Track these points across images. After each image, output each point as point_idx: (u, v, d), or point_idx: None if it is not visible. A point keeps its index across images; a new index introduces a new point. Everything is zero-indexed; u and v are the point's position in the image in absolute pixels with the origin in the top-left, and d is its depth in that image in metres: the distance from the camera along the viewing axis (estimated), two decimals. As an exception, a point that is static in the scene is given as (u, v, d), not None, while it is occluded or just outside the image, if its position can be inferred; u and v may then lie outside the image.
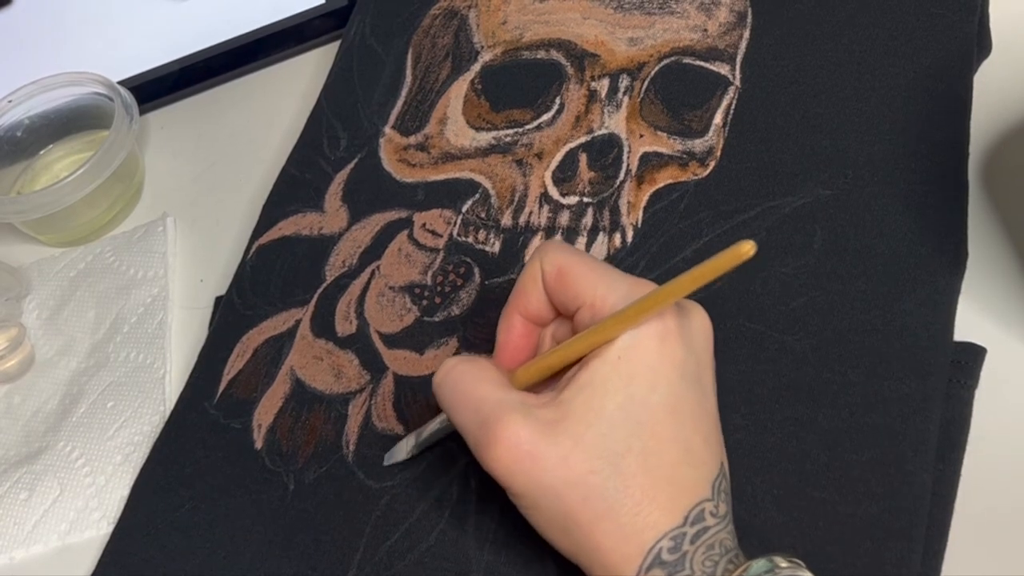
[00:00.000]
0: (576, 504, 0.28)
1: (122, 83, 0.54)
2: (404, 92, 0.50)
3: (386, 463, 0.37)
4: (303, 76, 0.56)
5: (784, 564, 0.28)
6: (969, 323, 0.36)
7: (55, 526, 0.41)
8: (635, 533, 0.28)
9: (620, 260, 0.40)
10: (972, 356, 0.35)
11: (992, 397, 0.34)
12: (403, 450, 0.37)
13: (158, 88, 0.57)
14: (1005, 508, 0.33)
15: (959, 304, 0.36)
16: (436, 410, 0.38)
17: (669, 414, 0.29)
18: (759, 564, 0.28)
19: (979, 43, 0.43)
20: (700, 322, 0.31)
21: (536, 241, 0.42)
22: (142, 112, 0.54)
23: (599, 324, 0.30)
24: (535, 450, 0.28)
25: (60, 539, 0.41)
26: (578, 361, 0.30)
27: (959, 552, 0.32)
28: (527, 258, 0.41)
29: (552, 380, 0.32)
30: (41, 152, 0.55)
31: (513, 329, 0.34)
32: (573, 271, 0.32)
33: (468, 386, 0.31)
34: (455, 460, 0.37)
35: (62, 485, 0.42)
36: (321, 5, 0.57)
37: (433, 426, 0.35)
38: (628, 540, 0.28)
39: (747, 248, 0.26)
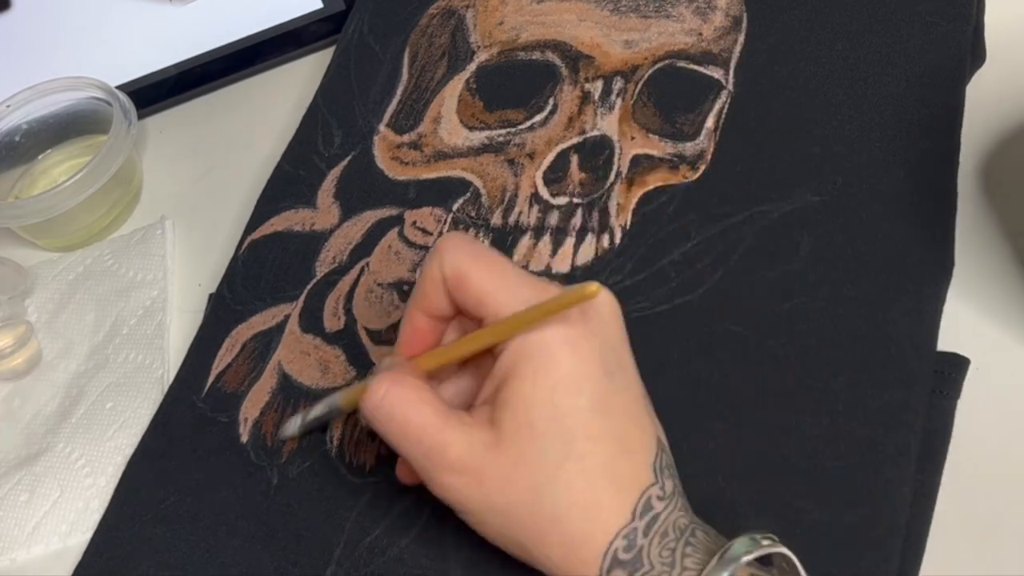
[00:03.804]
0: (525, 520, 0.29)
1: (120, 87, 0.54)
2: (400, 90, 0.50)
3: (279, 437, 0.39)
4: (301, 80, 0.56)
5: (765, 542, 0.28)
6: (953, 333, 0.36)
7: (56, 527, 0.41)
8: (586, 540, 0.28)
9: (608, 261, 0.40)
10: (955, 367, 0.35)
11: (974, 408, 0.34)
12: (292, 427, 0.39)
13: (156, 92, 0.57)
14: (983, 519, 0.32)
15: (944, 314, 0.36)
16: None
17: (598, 413, 0.29)
18: (740, 544, 0.28)
19: (974, 52, 0.43)
20: (606, 307, 0.31)
21: (525, 241, 0.42)
22: (140, 116, 0.53)
23: (495, 325, 0.30)
24: (479, 474, 0.29)
25: (61, 540, 0.41)
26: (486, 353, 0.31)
27: (936, 563, 0.32)
28: (516, 257, 0.41)
29: (474, 371, 0.32)
30: (39, 157, 0.55)
31: (416, 325, 0.33)
32: (472, 277, 0.31)
33: (407, 414, 0.30)
34: (437, 458, 0.37)
35: (62, 486, 0.42)
36: (319, 10, 0.57)
37: (318, 411, 0.38)
38: (580, 548, 0.28)
39: (592, 289, 0.28)
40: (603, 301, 0.30)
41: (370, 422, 0.31)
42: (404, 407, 0.30)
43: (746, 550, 0.27)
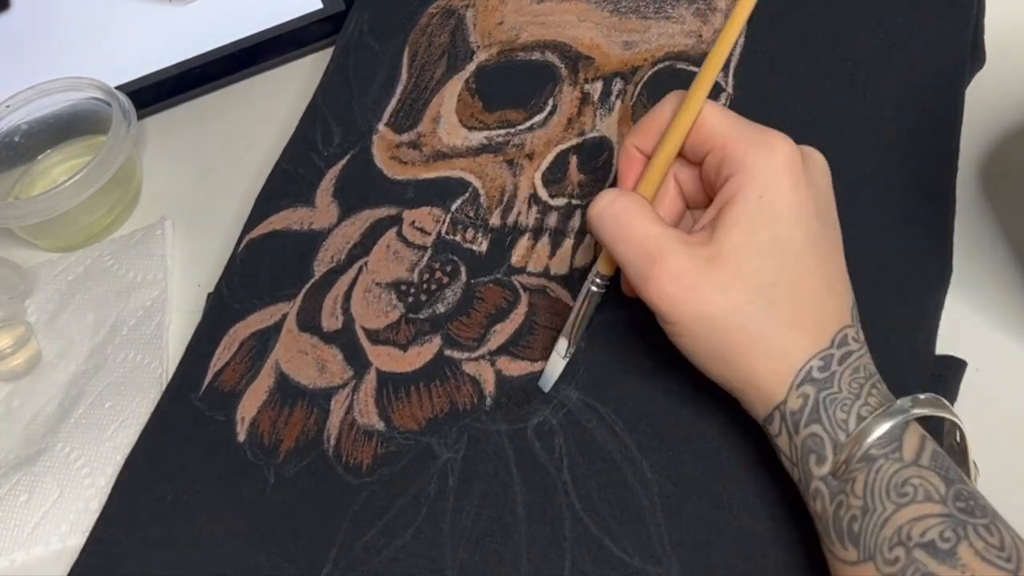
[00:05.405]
0: (734, 331, 0.31)
1: (120, 88, 0.54)
2: (399, 90, 0.50)
3: (546, 389, 0.37)
4: (301, 80, 0.56)
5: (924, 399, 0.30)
6: (952, 335, 0.36)
7: (55, 528, 0.41)
8: (786, 355, 0.30)
9: (606, 262, 0.40)
10: (952, 370, 0.35)
11: (971, 410, 0.34)
12: (557, 366, 0.37)
13: (156, 93, 0.57)
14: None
15: (942, 315, 0.36)
16: (421, 403, 0.38)
17: (811, 248, 0.31)
18: (902, 402, 0.29)
19: (973, 54, 0.43)
20: (820, 164, 0.33)
21: (524, 241, 0.42)
22: (140, 116, 0.53)
23: (683, 106, 0.34)
24: (696, 283, 0.31)
25: (61, 541, 0.41)
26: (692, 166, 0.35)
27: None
28: (514, 258, 0.41)
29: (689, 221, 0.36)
30: (39, 157, 0.55)
31: (633, 159, 0.35)
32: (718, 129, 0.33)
33: (630, 220, 0.32)
34: (434, 458, 0.37)
35: (62, 487, 0.42)
36: (319, 10, 0.57)
37: (581, 309, 0.36)
38: (780, 361, 0.30)
39: None
40: (816, 158, 0.33)
41: (594, 227, 0.33)
42: (629, 215, 0.32)
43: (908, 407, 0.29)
